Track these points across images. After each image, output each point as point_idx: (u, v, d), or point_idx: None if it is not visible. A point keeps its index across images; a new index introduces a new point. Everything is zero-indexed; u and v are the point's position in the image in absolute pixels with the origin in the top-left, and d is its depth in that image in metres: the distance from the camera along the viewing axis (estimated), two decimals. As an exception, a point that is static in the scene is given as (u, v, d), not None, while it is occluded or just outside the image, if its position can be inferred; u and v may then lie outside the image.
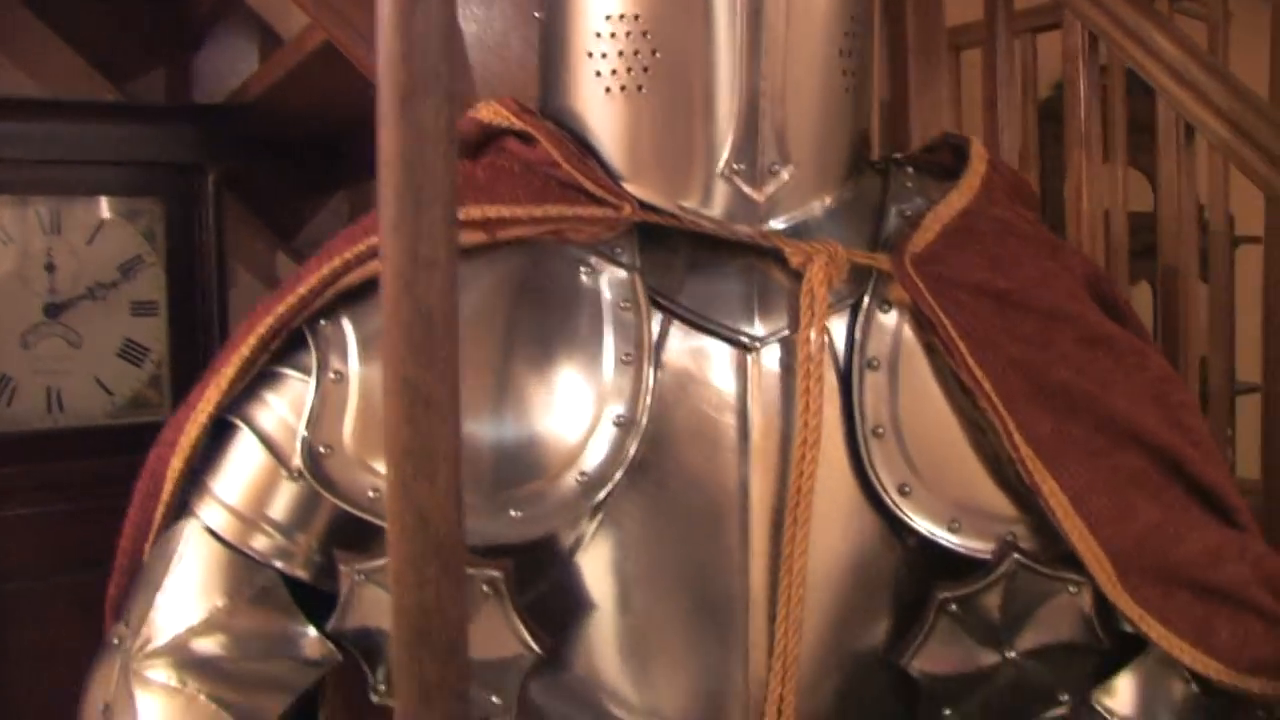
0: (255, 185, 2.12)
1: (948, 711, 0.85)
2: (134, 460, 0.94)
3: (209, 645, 0.83)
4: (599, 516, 0.82)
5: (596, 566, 0.83)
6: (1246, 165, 1.46)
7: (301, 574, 0.85)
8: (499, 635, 0.78)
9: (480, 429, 0.79)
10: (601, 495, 0.79)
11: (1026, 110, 1.91)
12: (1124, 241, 1.73)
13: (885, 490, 0.82)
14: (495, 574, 0.77)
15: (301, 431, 0.81)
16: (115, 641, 0.86)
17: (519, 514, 0.78)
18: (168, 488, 0.87)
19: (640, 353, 0.81)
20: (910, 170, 0.92)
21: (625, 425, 0.79)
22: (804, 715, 0.84)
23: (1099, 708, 0.88)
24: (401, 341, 0.53)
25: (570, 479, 0.79)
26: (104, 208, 1.87)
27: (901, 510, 0.82)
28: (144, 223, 1.90)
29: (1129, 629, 0.84)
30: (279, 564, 0.85)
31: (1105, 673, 0.88)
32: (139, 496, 0.90)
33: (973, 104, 2.16)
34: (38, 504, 1.80)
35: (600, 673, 0.85)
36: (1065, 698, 0.86)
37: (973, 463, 0.84)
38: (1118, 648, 0.87)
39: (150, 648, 0.83)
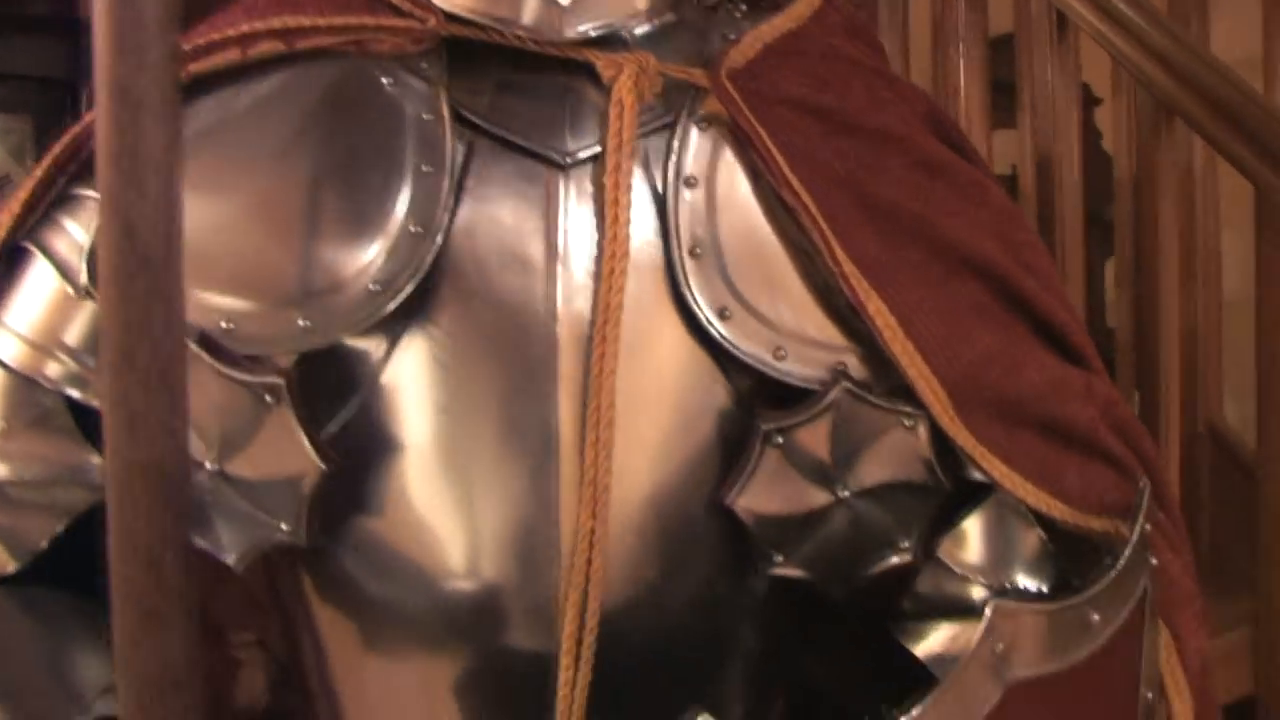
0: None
1: (779, 557, 0.81)
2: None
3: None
4: (402, 339, 0.79)
5: (401, 392, 0.80)
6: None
7: (97, 401, 0.81)
8: (282, 449, 0.74)
9: (273, 244, 0.76)
10: (392, 306, 0.75)
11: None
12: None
13: (704, 313, 0.79)
14: (276, 380, 0.73)
15: (87, 246, 0.78)
16: None
17: (307, 323, 0.75)
18: None
19: (440, 166, 0.77)
20: (743, 6, 0.90)
21: (420, 236, 0.76)
22: (623, 556, 0.80)
23: (945, 559, 0.84)
24: (109, 38, 0.49)
25: (360, 287, 0.75)
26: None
27: (721, 335, 0.79)
28: (14, 141, 1.84)
29: (976, 475, 0.82)
30: (73, 391, 0.80)
31: (950, 521, 0.84)
32: None
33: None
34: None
35: (408, 518, 0.81)
36: (906, 544, 0.82)
37: (799, 288, 0.81)
38: (961, 493, 0.83)
39: None
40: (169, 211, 0.50)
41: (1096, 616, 0.76)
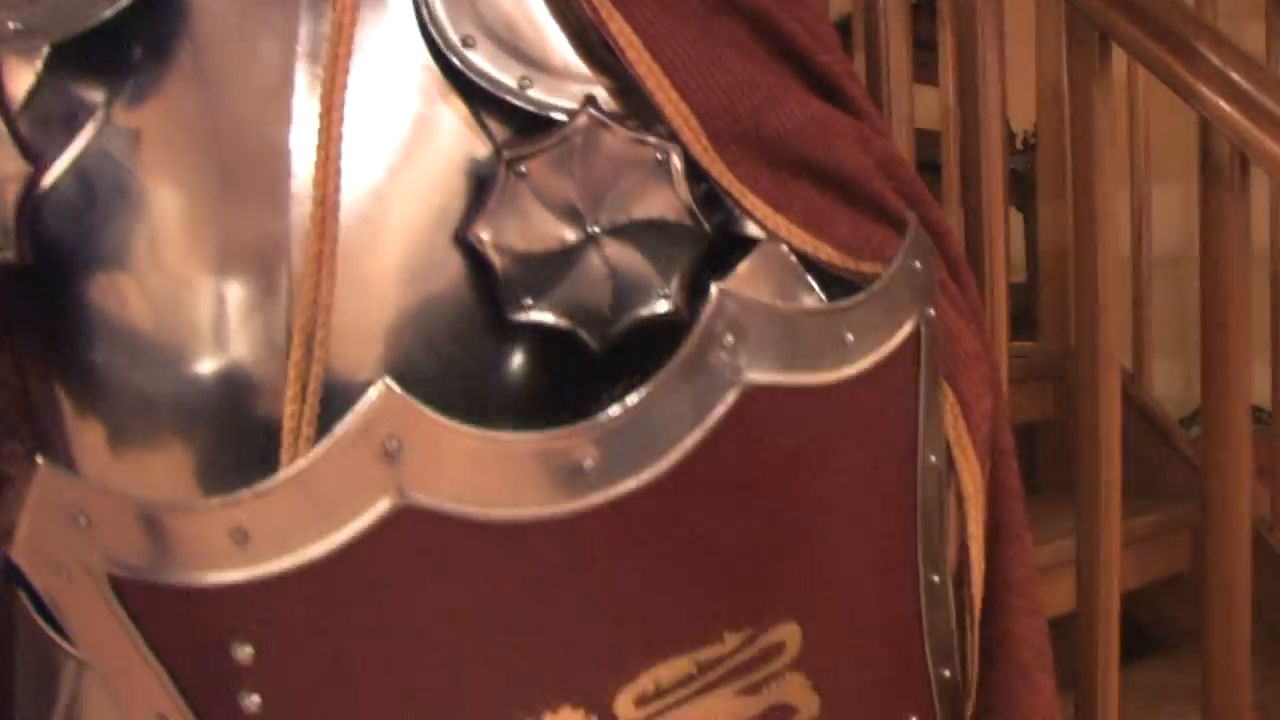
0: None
1: (528, 300, 0.76)
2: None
3: None
4: (131, 70, 0.74)
5: (132, 136, 0.75)
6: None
7: None
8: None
9: None
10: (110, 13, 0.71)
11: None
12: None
13: (447, 42, 0.75)
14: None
15: None
16: None
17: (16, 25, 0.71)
18: None
19: None
20: None
21: None
22: (355, 300, 0.75)
23: None
24: None
25: None
26: None
27: (466, 65, 0.75)
28: None
29: (738, 228, 0.78)
30: None
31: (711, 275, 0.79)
32: None
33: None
34: None
35: (137, 258, 0.76)
36: (666, 291, 0.77)
37: (543, 15, 0.78)
38: (724, 250, 0.79)
39: None
40: None
41: (850, 336, 0.73)
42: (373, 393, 0.61)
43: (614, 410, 0.64)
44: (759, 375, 0.68)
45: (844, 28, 2.06)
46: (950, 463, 0.85)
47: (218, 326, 0.75)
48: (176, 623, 0.64)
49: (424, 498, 0.62)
